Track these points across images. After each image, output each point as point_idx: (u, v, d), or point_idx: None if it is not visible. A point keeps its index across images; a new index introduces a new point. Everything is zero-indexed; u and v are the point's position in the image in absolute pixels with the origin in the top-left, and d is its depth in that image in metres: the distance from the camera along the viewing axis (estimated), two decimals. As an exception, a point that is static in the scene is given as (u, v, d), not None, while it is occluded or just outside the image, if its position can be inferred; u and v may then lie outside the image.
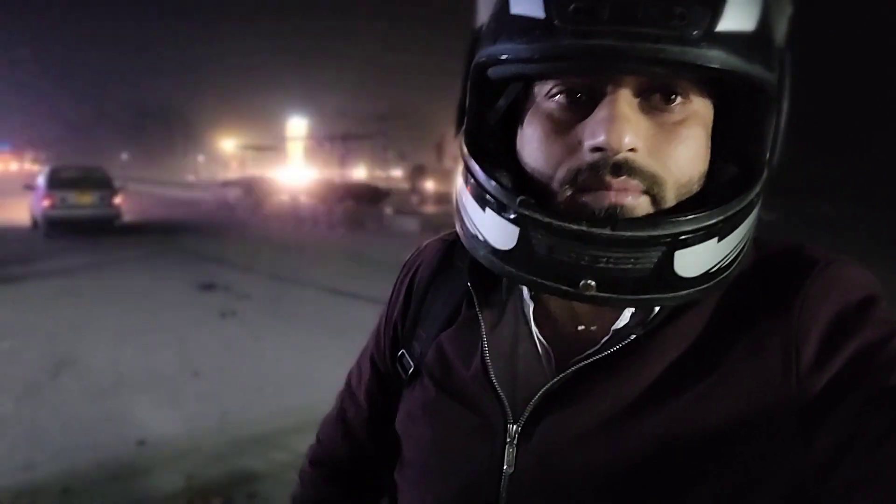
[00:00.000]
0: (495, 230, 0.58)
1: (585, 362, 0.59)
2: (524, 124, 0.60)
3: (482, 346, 0.65)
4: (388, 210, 18.88)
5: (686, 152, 0.55)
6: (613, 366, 0.58)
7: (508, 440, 0.61)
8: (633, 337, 0.59)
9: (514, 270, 0.57)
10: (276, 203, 20.51)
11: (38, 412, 4.04)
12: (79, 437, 3.65)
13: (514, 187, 0.60)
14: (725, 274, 0.56)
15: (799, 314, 0.54)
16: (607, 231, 0.52)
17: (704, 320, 0.58)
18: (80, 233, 13.52)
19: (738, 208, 0.54)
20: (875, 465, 0.48)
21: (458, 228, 0.65)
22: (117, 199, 14.70)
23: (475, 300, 0.67)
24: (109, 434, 3.71)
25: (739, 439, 0.53)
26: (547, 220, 0.54)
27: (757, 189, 0.56)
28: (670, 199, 0.55)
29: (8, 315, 6.54)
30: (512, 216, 0.56)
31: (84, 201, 14.01)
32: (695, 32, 0.49)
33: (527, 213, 0.55)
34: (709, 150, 0.58)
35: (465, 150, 0.62)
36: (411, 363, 0.74)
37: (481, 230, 0.60)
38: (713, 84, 0.56)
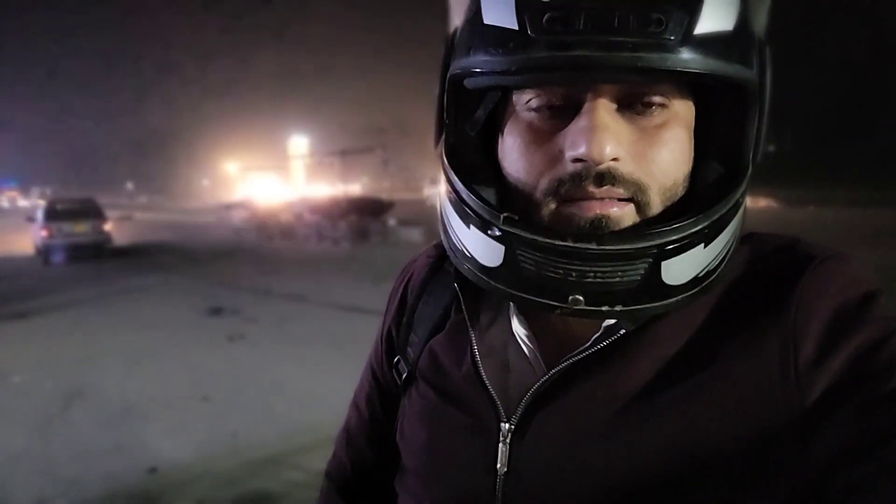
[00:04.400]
0: (481, 247, 0.57)
1: (576, 358, 0.59)
2: (504, 134, 0.60)
3: (471, 348, 0.66)
4: (392, 221, 18.91)
5: (669, 155, 0.54)
6: (605, 361, 0.58)
7: (502, 439, 0.61)
8: (622, 332, 0.58)
9: (502, 287, 0.56)
10: (280, 222, 20.56)
11: (50, 445, 4.06)
12: (90, 468, 3.66)
13: (497, 200, 0.60)
14: (714, 277, 0.56)
15: (796, 312, 0.53)
16: (593, 246, 0.51)
17: (699, 316, 0.58)
18: (76, 258, 14.87)
19: (723, 211, 0.54)
20: (877, 468, 0.47)
21: (444, 242, 0.65)
22: (107, 226, 16.38)
23: (462, 304, 0.67)
24: (121, 463, 3.71)
25: (737, 438, 0.52)
26: (532, 237, 0.53)
27: (742, 188, 0.56)
28: (656, 205, 0.54)
29: (18, 350, 6.58)
30: (497, 234, 0.55)
31: (78, 230, 15.57)
32: (672, 37, 0.48)
33: (511, 230, 0.54)
34: (692, 151, 0.57)
35: (446, 163, 0.62)
36: (406, 369, 0.74)
37: (467, 246, 0.59)
38: (694, 84, 0.56)
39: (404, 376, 0.74)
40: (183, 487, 3.38)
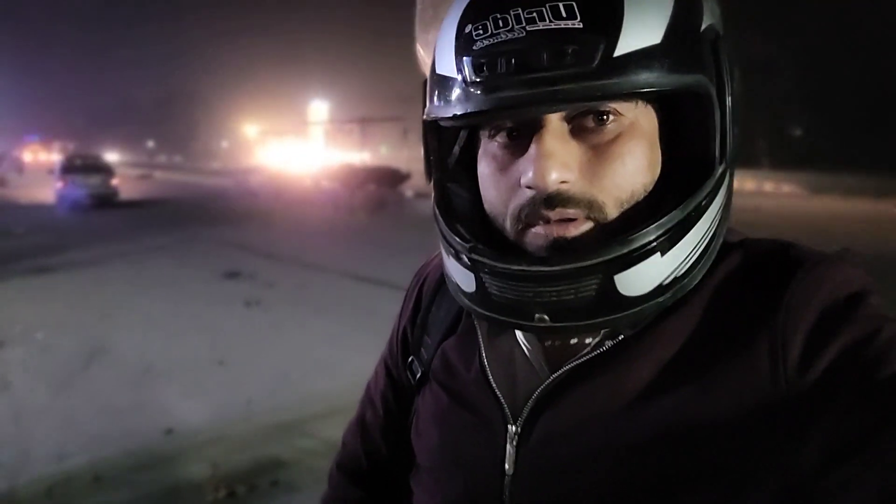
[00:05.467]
0: (460, 275, 0.63)
1: (577, 362, 0.61)
2: (479, 166, 0.63)
3: (480, 353, 0.69)
4: (409, 192, 18.89)
5: (622, 169, 0.55)
6: (605, 365, 0.60)
7: (509, 440, 0.63)
8: (620, 337, 0.60)
9: (481, 310, 0.61)
10: (298, 188, 20.63)
11: (71, 402, 4.17)
12: (110, 426, 3.76)
13: (481, 227, 0.64)
14: (684, 282, 0.57)
15: (784, 316, 0.54)
16: (544, 268, 0.54)
17: (694, 321, 0.59)
18: (87, 207, 17.74)
19: (679, 218, 0.54)
20: (864, 462, 0.48)
21: (443, 267, 0.69)
22: (115, 181, 19.88)
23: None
24: (139, 423, 3.81)
25: (731, 438, 0.54)
26: (493, 263, 0.57)
27: (706, 191, 0.56)
28: (613, 217, 0.56)
29: (40, 306, 6.72)
30: (466, 262, 0.60)
31: (89, 183, 18.81)
32: (593, 64, 0.50)
33: (476, 258, 0.59)
34: (657, 157, 0.58)
35: (434, 197, 0.67)
36: (420, 369, 0.77)
37: (453, 274, 0.64)
38: (636, 97, 0.56)
39: (418, 376, 0.77)
40: (198, 450, 3.46)
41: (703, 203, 0.56)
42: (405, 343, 0.82)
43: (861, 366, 0.51)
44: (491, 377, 0.66)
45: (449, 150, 0.68)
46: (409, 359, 0.80)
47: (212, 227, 14.01)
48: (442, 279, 0.78)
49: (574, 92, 0.50)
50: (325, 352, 5.13)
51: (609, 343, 0.60)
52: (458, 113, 0.55)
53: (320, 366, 4.77)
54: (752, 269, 0.59)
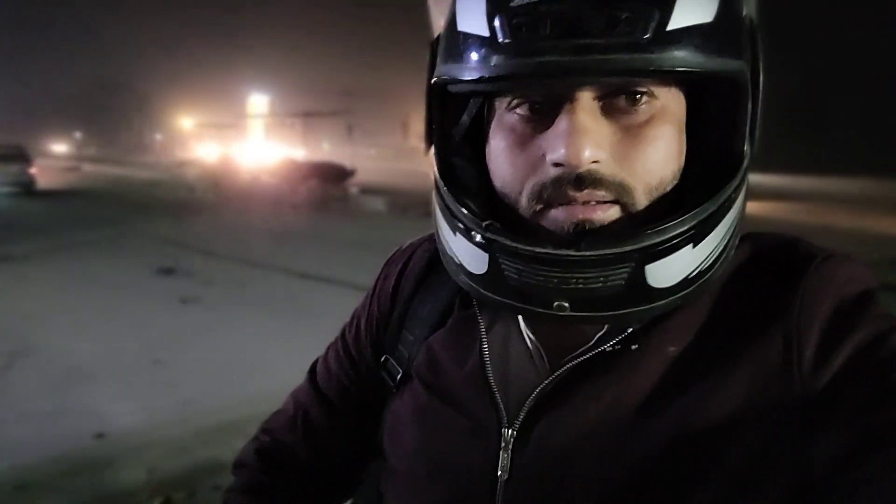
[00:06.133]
0: (467, 254, 0.57)
1: (580, 359, 0.58)
2: (490, 138, 0.59)
3: (481, 346, 0.63)
4: (354, 189, 18.70)
5: (654, 154, 0.53)
6: (610, 363, 0.57)
7: (503, 445, 0.59)
8: (629, 331, 0.57)
9: (489, 294, 0.56)
10: (237, 183, 20.12)
11: (-9, 406, 3.91)
12: (34, 432, 3.54)
13: (486, 205, 0.59)
14: (707, 276, 0.54)
15: (798, 311, 0.53)
16: (572, 252, 0.50)
17: (703, 315, 0.57)
18: (3, 196, 18.37)
19: (712, 209, 0.52)
20: (878, 463, 0.47)
21: (438, 246, 0.64)
22: (33, 170, 20.80)
23: (474, 299, 0.65)
24: (66, 427, 3.61)
25: (742, 437, 0.52)
26: (513, 244, 0.53)
27: (735, 183, 0.54)
28: (642, 204, 0.53)
29: (-44, 304, 6.29)
30: (479, 241, 0.55)
31: (6, 171, 19.75)
32: (645, 36, 0.47)
33: (493, 237, 0.54)
34: (683, 146, 0.56)
35: (435, 169, 0.61)
36: (398, 368, 0.71)
37: (456, 253, 0.59)
38: (680, 78, 0.53)
39: (398, 377, 0.70)
40: (132, 454, 3.30)
41: (733, 195, 0.54)
42: (377, 339, 0.76)
43: (876, 366, 0.50)
44: (490, 374, 0.62)
45: (452, 118, 0.63)
46: (383, 357, 0.73)
47: (145, 221, 13.44)
48: (426, 270, 0.73)
49: (626, 62, 0.47)
50: (267, 350, 4.99)
51: (616, 337, 0.57)
52: (487, 76, 0.51)
53: (261, 365, 4.62)
54: (762, 264, 0.58)
